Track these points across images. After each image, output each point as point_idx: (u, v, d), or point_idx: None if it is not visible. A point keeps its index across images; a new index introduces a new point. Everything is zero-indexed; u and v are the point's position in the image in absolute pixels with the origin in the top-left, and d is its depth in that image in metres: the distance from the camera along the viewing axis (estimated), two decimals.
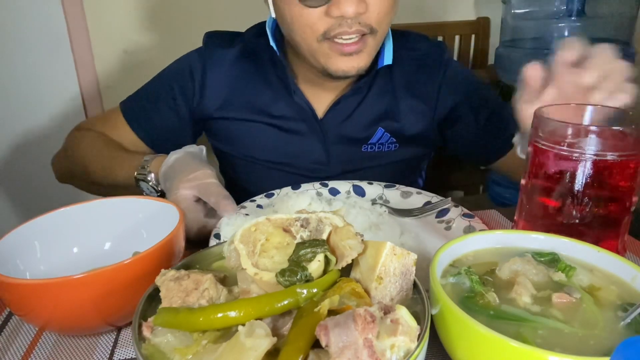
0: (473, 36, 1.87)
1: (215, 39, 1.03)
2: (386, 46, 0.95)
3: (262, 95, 0.98)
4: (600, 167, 0.53)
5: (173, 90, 1.01)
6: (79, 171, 1.01)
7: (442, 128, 1.04)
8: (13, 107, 1.81)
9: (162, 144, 1.03)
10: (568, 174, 0.55)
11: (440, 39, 1.83)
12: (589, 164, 0.53)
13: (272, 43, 0.94)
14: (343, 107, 0.98)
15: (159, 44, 1.82)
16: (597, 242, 0.53)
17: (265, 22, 0.99)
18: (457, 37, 1.86)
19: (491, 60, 1.91)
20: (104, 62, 1.82)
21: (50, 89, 1.81)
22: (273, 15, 0.89)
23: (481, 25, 1.86)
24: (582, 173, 0.54)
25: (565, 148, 0.54)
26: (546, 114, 0.56)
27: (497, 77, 1.80)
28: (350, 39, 0.82)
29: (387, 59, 0.95)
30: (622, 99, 0.60)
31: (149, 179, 0.85)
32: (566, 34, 1.62)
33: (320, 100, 0.99)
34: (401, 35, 1.02)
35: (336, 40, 0.82)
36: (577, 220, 0.56)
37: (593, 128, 0.53)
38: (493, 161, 1.05)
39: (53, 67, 1.79)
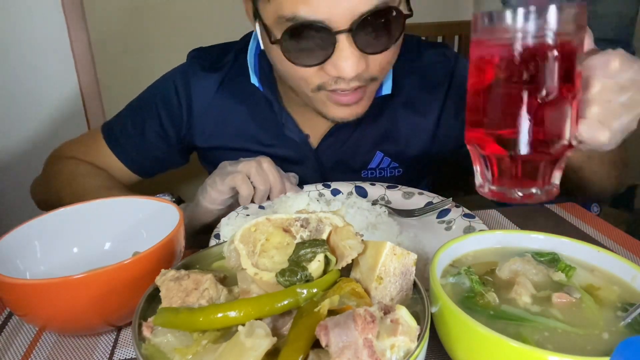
0: None
1: (199, 60, 0.96)
2: (386, 77, 0.88)
3: (252, 125, 0.94)
4: (538, 49, 0.52)
5: (160, 117, 0.96)
6: (58, 201, 0.89)
7: (455, 145, 0.97)
8: (13, 107, 1.81)
9: (149, 170, 1.01)
10: (507, 62, 0.53)
11: (440, 39, 1.83)
12: (528, 46, 0.51)
13: (253, 80, 0.89)
14: (339, 135, 0.93)
15: (159, 44, 1.82)
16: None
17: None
18: (457, 37, 1.86)
19: None
20: (104, 62, 1.82)
21: (50, 89, 1.82)
22: (262, 47, 0.82)
23: None
24: (524, 55, 0.52)
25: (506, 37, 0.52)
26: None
27: None
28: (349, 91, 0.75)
29: (386, 89, 0.89)
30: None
31: None
32: None
33: (314, 128, 0.93)
34: (404, 43, 0.94)
35: (333, 91, 0.75)
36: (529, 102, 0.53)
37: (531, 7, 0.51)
38: None
39: (53, 67, 1.79)
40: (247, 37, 0.96)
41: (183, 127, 0.96)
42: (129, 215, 0.67)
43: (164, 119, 0.96)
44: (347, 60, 0.69)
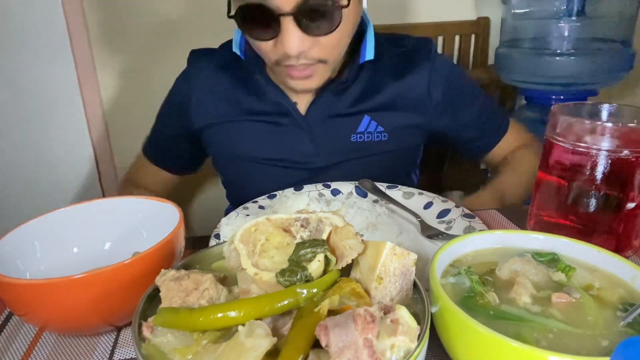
0: (473, 36, 1.87)
1: (198, 55, 1.07)
2: (368, 42, 0.95)
3: (245, 99, 1.00)
4: (611, 163, 0.55)
5: (176, 124, 1.07)
6: None
7: (437, 120, 1.04)
8: (12, 111, 1.81)
9: (192, 166, 1.19)
10: (581, 168, 0.57)
11: (440, 39, 1.83)
12: (601, 160, 0.56)
13: (235, 49, 0.97)
14: (326, 101, 0.97)
15: (159, 45, 1.82)
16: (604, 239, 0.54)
17: None
18: (457, 37, 1.86)
19: (491, 60, 1.91)
20: (104, 62, 1.82)
21: (49, 90, 1.82)
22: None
23: (481, 25, 1.86)
24: (595, 168, 0.56)
25: (579, 144, 0.57)
26: (562, 112, 0.59)
27: (497, 77, 1.80)
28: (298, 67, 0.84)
29: (369, 54, 0.95)
30: None
31: None
32: (566, 34, 1.62)
33: (300, 96, 0.99)
34: (386, 38, 1.02)
35: (287, 67, 0.85)
36: (588, 212, 0.58)
37: (608, 125, 0.55)
38: (482, 156, 1.10)
39: (53, 68, 1.79)
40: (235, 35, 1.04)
41: (187, 119, 1.05)
42: (129, 215, 0.67)
43: (179, 125, 1.07)
44: (290, 40, 0.79)
